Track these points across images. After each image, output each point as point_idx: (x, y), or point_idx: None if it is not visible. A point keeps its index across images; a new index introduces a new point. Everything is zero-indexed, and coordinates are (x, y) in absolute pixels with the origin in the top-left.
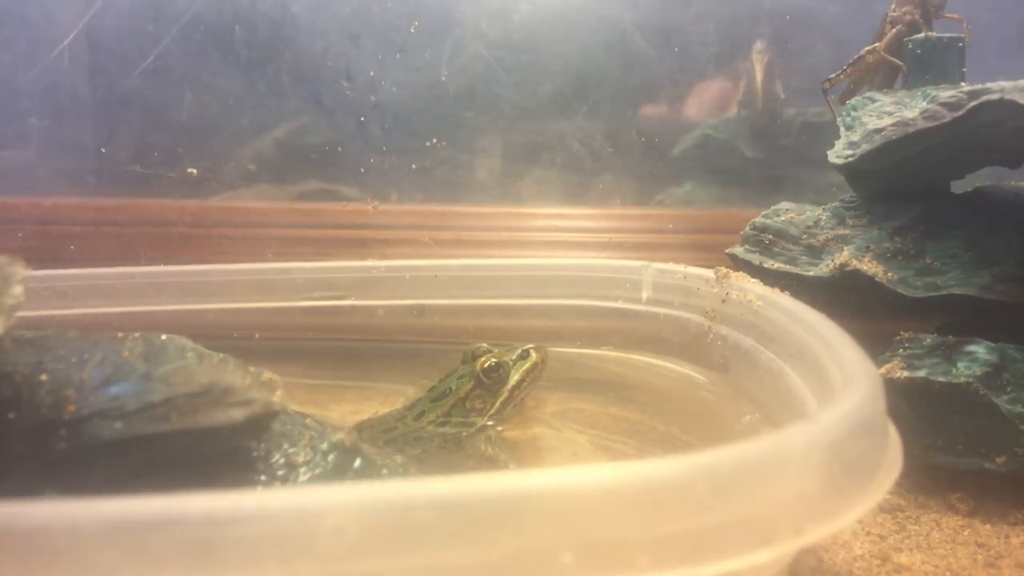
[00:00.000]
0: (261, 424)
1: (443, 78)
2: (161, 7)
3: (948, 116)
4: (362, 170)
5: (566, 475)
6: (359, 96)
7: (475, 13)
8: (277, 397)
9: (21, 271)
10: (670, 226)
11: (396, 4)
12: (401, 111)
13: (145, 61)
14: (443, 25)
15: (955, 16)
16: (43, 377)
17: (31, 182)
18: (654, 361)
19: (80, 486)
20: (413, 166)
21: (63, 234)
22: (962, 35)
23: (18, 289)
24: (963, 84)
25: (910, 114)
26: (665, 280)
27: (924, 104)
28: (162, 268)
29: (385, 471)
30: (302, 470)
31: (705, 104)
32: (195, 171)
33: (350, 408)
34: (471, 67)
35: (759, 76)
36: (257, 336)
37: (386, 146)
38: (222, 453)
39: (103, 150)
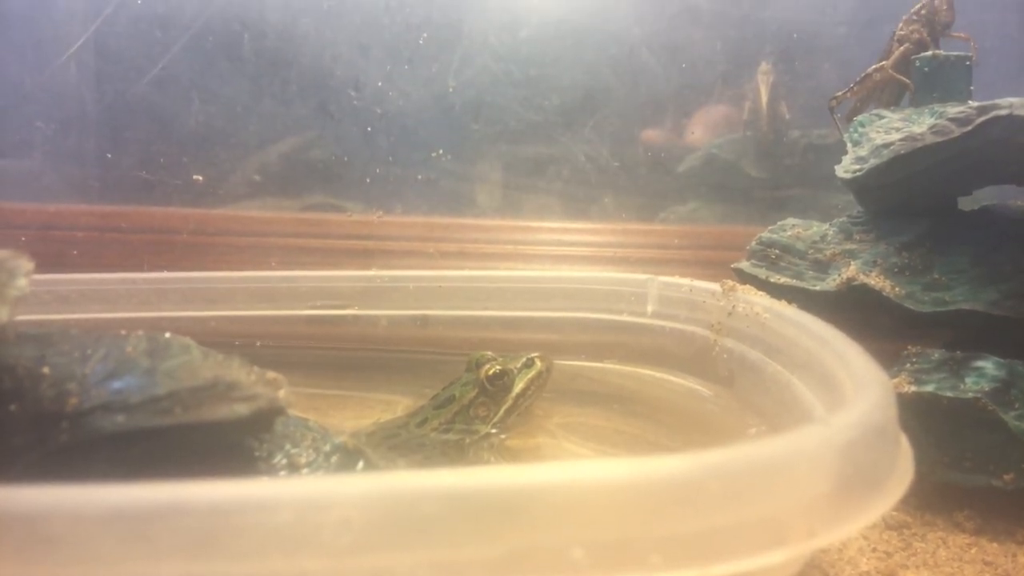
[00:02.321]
0: (266, 421)
1: (450, 90)
2: (170, 16)
3: (957, 131)
4: (368, 181)
5: (576, 470)
6: (366, 107)
7: (483, 27)
8: (282, 394)
9: (26, 264)
10: (675, 242)
11: (405, 16)
12: (408, 122)
13: (153, 69)
14: (451, 38)
15: (962, 35)
16: (45, 370)
17: (37, 188)
18: (658, 374)
19: (81, 478)
20: (419, 177)
21: (67, 239)
22: (969, 54)
23: (23, 281)
24: (970, 101)
25: (918, 129)
26: (671, 294)
27: (932, 120)
28: (164, 274)
29: None
30: (304, 471)
31: (711, 123)
32: (201, 178)
33: (351, 414)
34: (478, 80)
35: (764, 97)
36: (259, 344)
37: (392, 157)
38: (224, 450)
39: (108, 157)
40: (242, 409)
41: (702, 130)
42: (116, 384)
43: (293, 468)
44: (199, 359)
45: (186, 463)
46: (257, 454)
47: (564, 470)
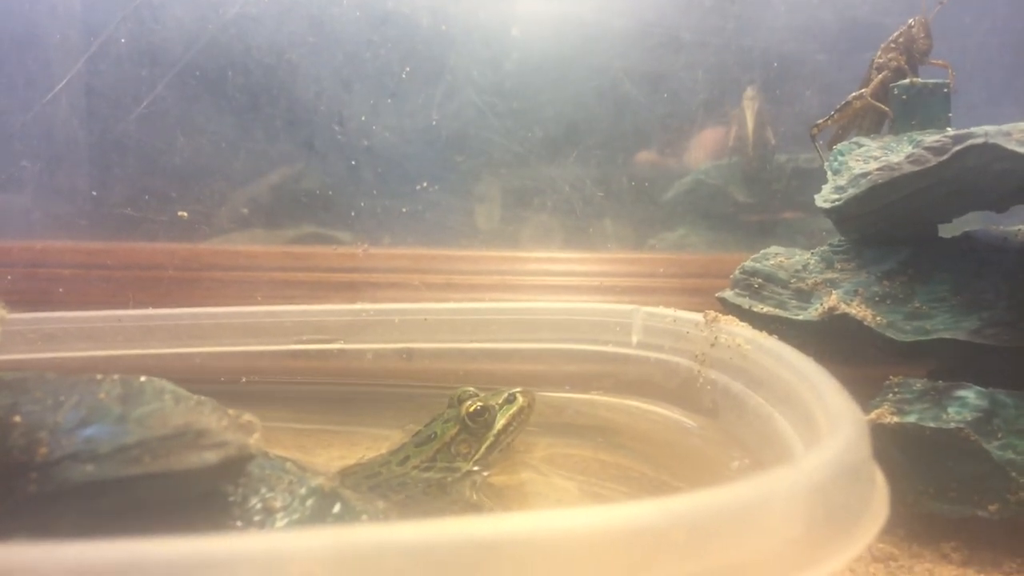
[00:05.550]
0: (236, 467)
1: (434, 123)
2: (156, 53)
3: (933, 160)
4: (353, 214)
5: (540, 520)
6: (351, 141)
7: (466, 61)
8: (254, 440)
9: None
10: (661, 270)
11: (388, 51)
12: (393, 155)
13: (140, 106)
14: (435, 71)
15: (940, 62)
16: (17, 419)
17: (24, 225)
18: (644, 406)
19: (50, 530)
20: (404, 210)
21: (52, 277)
22: (947, 81)
23: None
24: (949, 129)
25: (896, 158)
26: (655, 324)
27: (910, 149)
28: (150, 311)
29: (365, 517)
30: (279, 515)
31: (696, 149)
32: (185, 215)
33: (337, 453)
34: (463, 113)
35: (750, 122)
36: (244, 380)
37: (377, 190)
38: (197, 496)
39: (95, 194)
40: (211, 457)
41: (688, 156)
42: (87, 432)
43: (268, 512)
44: (171, 405)
45: (158, 512)
46: (232, 499)
47: (528, 521)
